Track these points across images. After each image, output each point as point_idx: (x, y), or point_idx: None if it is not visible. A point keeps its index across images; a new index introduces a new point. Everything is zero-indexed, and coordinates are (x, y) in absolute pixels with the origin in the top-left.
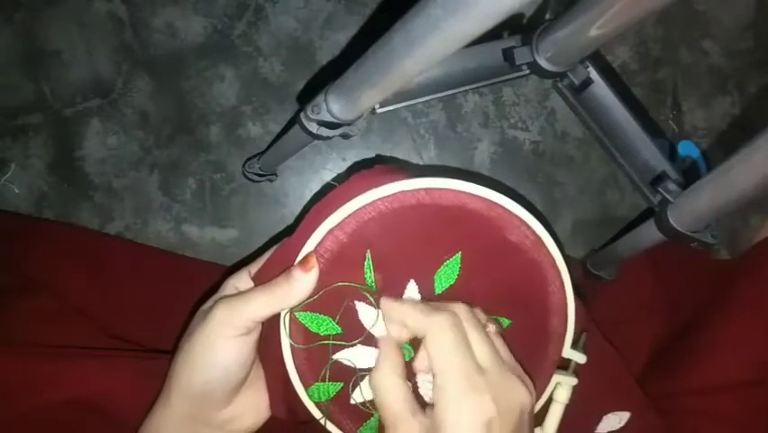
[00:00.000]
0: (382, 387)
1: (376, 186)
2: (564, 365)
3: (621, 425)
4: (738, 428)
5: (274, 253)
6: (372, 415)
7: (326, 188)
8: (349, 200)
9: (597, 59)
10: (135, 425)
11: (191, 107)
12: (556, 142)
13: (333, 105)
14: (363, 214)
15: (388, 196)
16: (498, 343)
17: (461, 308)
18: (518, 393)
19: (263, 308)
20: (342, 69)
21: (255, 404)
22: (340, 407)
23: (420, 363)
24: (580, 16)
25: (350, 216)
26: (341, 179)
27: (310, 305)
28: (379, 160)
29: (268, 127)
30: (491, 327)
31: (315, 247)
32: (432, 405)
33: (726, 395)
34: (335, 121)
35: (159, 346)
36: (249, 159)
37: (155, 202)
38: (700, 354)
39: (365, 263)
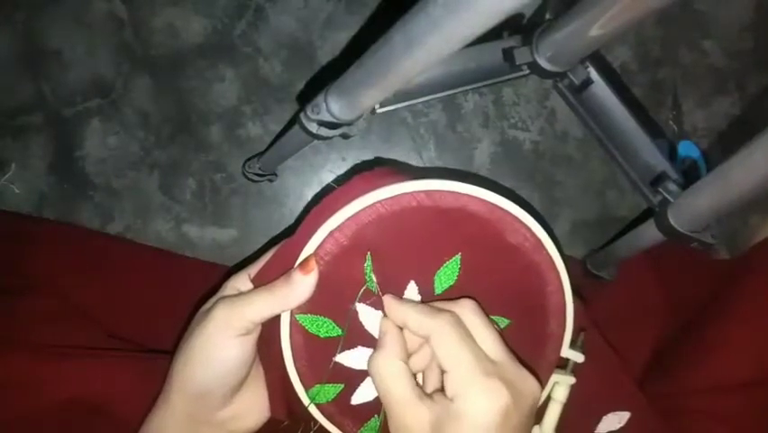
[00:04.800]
0: (385, 372)
1: (376, 188)
2: (562, 365)
3: (621, 425)
4: (740, 428)
5: (274, 255)
6: (373, 416)
7: (327, 190)
8: (349, 202)
9: (597, 59)
10: (135, 425)
11: (191, 107)
12: (556, 142)
13: (333, 105)
14: (364, 216)
15: (389, 198)
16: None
17: (468, 304)
18: (530, 383)
19: (263, 310)
20: (342, 69)
21: (255, 404)
22: (340, 408)
23: (419, 361)
24: (581, 16)
25: (350, 218)
26: (341, 180)
27: (310, 307)
28: (378, 162)
29: (268, 127)
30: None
31: (316, 249)
32: (436, 391)
33: (728, 395)
34: (335, 121)
35: (159, 346)
36: (249, 159)
37: (155, 202)
38: (702, 353)
39: (365, 265)
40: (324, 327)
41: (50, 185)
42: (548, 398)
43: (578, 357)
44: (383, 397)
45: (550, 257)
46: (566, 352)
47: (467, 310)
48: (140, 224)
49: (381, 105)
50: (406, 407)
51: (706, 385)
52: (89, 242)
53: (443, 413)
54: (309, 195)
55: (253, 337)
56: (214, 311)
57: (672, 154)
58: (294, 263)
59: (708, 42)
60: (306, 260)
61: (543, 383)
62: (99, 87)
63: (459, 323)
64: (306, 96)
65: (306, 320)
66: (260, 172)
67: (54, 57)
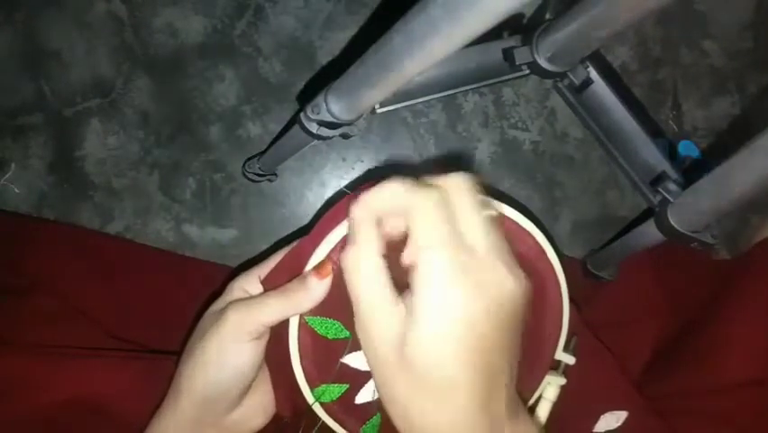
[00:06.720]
0: (358, 267)
1: None
2: (555, 366)
3: (618, 424)
4: (741, 428)
5: (284, 258)
6: (375, 414)
7: (339, 195)
8: None
9: (597, 59)
10: (136, 425)
11: (191, 107)
12: (556, 143)
13: (333, 105)
14: None
15: None
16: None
17: (459, 179)
18: (509, 286)
19: (276, 313)
20: (343, 69)
21: (262, 404)
22: (344, 407)
23: (408, 256)
24: (581, 16)
25: None
26: (353, 185)
27: (320, 309)
28: (392, 166)
29: (268, 127)
30: (489, 211)
31: (328, 253)
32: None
33: (728, 395)
34: (335, 121)
35: (159, 346)
36: (249, 159)
37: (155, 202)
38: (702, 354)
39: None
40: (333, 330)
41: (50, 185)
42: (539, 397)
43: (569, 360)
44: (352, 295)
45: (551, 264)
46: (559, 354)
47: (456, 187)
48: (140, 224)
49: (381, 105)
50: (374, 311)
51: (706, 385)
52: (89, 242)
53: (405, 312)
54: (309, 195)
55: (264, 340)
56: (227, 315)
57: (672, 154)
58: (304, 266)
59: (708, 42)
60: (323, 264)
61: (537, 384)
62: (99, 87)
63: (444, 203)
64: (306, 96)
65: (315, 322)
66: (260, 172)
67: (54, 57)
